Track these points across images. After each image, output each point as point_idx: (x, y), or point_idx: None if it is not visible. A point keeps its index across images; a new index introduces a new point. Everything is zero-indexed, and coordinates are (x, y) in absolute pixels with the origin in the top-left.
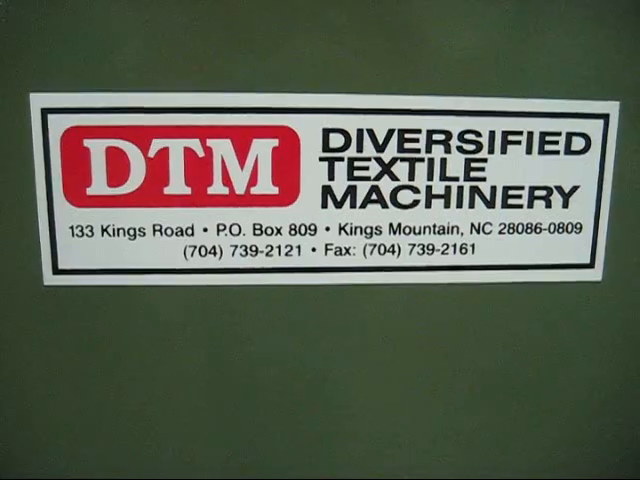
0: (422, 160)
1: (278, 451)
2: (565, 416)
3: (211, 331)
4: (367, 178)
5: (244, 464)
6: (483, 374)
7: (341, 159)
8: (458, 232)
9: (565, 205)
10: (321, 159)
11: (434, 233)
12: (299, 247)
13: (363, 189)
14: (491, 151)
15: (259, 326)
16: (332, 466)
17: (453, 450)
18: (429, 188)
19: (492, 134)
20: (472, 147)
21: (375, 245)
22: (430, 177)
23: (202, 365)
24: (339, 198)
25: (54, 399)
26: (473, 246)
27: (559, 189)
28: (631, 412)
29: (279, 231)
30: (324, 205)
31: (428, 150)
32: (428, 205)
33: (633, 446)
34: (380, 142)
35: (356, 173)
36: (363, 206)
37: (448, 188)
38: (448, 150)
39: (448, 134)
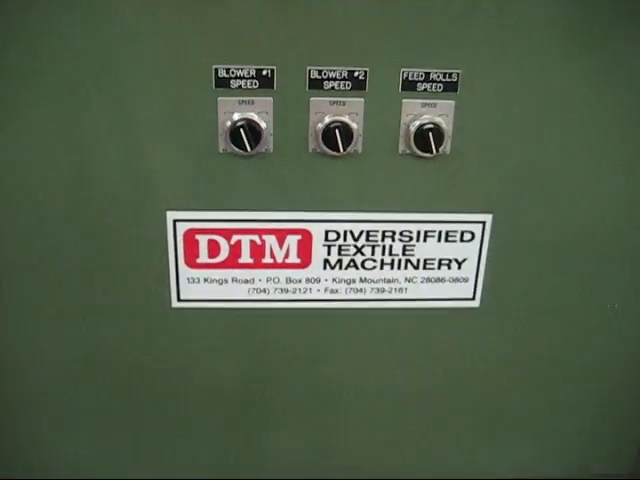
0: (379, 245)
1: None
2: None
3: (253, 339)
4: (348, 255)
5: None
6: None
7: (334, 245)
8: (398, 282)
9: (459, 268)
10: (323, 245)
11: (385, 282)
12: (310, 289)
13: (346, 260)
14: (417, 240)
15: (287, 333)
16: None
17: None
18: (382, 260)
19: (418, 232)
20: (407, 239)
21: (352, 289)
22: (383, 254)
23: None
24: (332, 264)
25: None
26: (406, 289)
27: (456, 260)
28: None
29: (300, 281)
30: (324, 268)
31: (382, 240)
32: (382, 268)
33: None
34: (356, 236)
35: (342, 252)
36: (346, 269)
37: (393, 260)
38: (393, 240)
39: (393, 232)
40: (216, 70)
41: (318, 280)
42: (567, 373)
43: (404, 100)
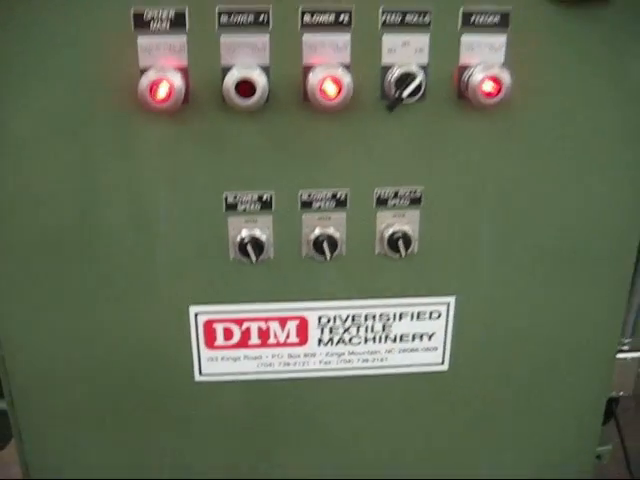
0: (362, 325)
1: None
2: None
3: (262, 404)
4: (337, 334)
5: None
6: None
7: (326, 327)
8: (379, 353)
9: (429, 340)
10: (317, 327)
11: (368, 354)
12: (308, 362)
13: (336, 338)
14: (394, 320)
15: (289, 398)
16: None
17: None
18: (366, 336)
19: (394, 314)
20: (385, 319)
21: (341, 360)
22: (366, 332)
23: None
24: (325, 342)
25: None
26: (386, 358)
27: (426, 334)
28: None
29: (299, 356)
30: (319, 345)
31: (365, 321)
32: (366, 343)
33: None
34: (343, 319)
35: (332, 332)
36: (336, 345)
37: (374, 336)
38: (374, 320)
39: (374, 315)
40: (226, 197)
41: (314, 355)
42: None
43: (378, 213)
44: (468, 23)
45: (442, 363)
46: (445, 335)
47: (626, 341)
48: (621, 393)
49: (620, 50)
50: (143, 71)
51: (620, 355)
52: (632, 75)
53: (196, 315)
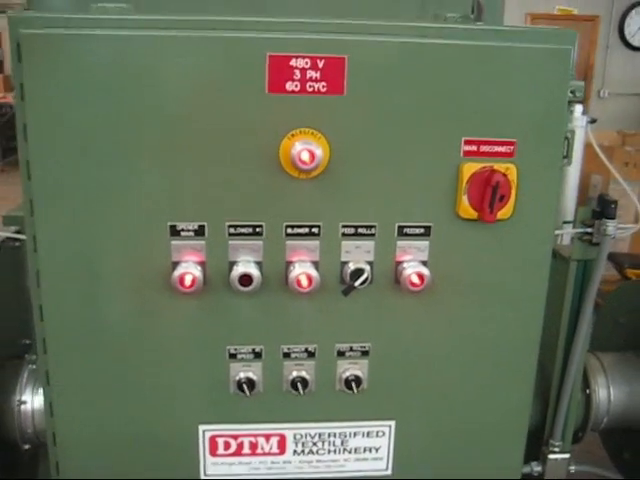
0: (327, 441)
1: None
2: None
3: None
4: (308, 447)
5: None
6: None
7: (299, 442)
8: (339, 461)
9: (377, 452)
10: (292, 441)
11: (331, 462)
12: (285, 467)
13: (307, 450)
14: (350, 437)
15: None
16: None
17: None
18: (329, 449)
19: (350, 432)
20: (343, 436)
21: (311, 466)
22: (329, 445)
23: None
24: (299, 452)
25: None
26: (344, 465)
27: (374, 447)
28: None
29: (279, 462)
30: (294, 455)
31: (328, 437)
32: (329, 454)
33: None
34: (312, 436)
35: (304, 446)
36: (307, 455)
37: (336, 449)
38: (335, 437)
39: (335, 433)
40: (229, 349)
41: (290, 462)
42: None
43: (338, 361)
44: (402, 233)
45: (386, 469)
46: (388, 448)
47: (557, 444)
48: None
49: None
50: (175, 264)
51: (551, 456)
52: None
53: (204, 432)
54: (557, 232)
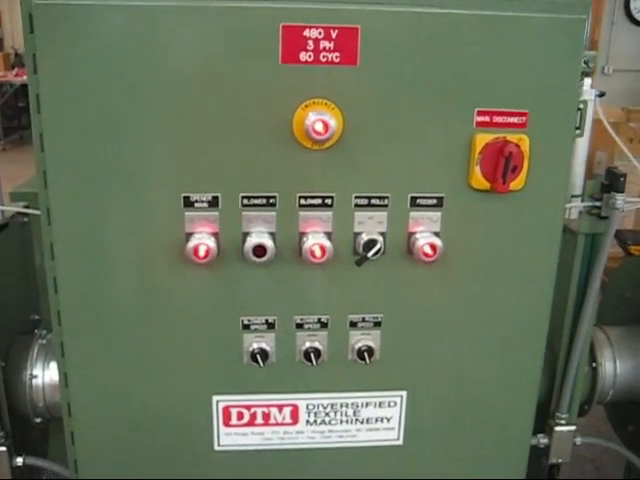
0: (339, 411)
1: None
2: None
3: (265, 468)
4: (320, 417)
5: None
6: None
7: (312, 412)
8: (351, 431)
9: (388, 422)
10: (305, 412)
11: (343, 432)
12: (298, 437)
13: (319, 420)
14: (362, 407)
15: (285, 464)
16: None
17: None
18: (341, 419)
19: (362, 403)
20: (356, 406)
21: (323, 436)
22: (341, 416)
23: None
24: (311, 422)
25: None
26: (356, 435)
27: (386, 417)
28: None
29: (292, 432)
30: (306, 425)
31: (340, 408)
32: (341, 424)
33: None
34: (325, 406)
35: (317, 415)
36: (319, 425)
37: (348, 419)
38: (347, 408)
39: (347, 404)
40: (242, 320)
41: (302, 432)
42: None
43: (350, 332)
44: (414, 204)
45: (398, 439)
46: (400, 418)
47: (563, 416)
48: (560, 460)
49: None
50: (188, 235)
51: (558, 428)
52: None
53: (217, 402)
54: (567, 205)
